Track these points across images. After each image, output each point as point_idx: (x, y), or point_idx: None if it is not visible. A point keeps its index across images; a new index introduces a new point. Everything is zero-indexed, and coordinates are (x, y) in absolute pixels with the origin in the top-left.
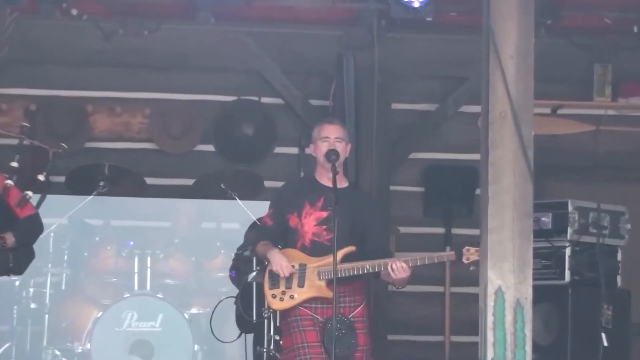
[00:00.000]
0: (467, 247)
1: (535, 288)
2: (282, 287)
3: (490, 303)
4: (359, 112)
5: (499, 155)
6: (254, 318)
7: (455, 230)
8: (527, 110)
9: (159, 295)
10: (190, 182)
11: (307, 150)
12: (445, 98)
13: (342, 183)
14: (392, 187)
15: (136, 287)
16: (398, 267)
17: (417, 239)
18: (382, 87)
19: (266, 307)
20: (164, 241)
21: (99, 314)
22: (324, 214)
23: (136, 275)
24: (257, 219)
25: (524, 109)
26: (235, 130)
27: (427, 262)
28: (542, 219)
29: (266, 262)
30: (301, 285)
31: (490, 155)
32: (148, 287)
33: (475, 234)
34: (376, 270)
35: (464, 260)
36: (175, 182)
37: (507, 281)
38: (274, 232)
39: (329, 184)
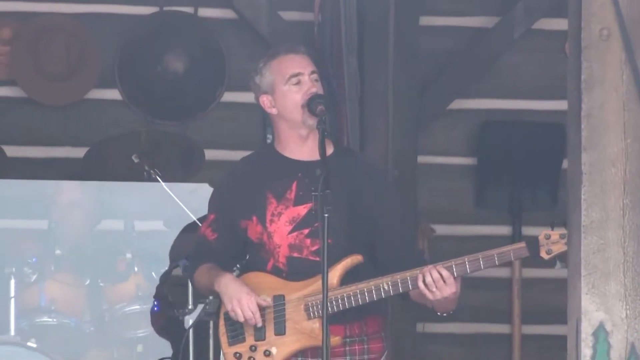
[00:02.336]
0: (545, 232)
1: None
2: (251, 340)
3: (587, 351)
4: (364, 32)
5: (598, 102)
6: None
7: (529, 231)
8: None
9: (31, 344)
10: (80, 152)
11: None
12: (510, 7)
13: (327, 148)
14: (420, 159)
15: None
16: (436, 281)
17: (464, 245)
18: None
19: None
20: (38, 252)
21: None
22: (302, 209)
23: None
24: (199, 219)
25: None
26: (155, 64)
27: (482, 266)
28: None
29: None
30: (280, 331)
31: (585, 102)
32: (12, 331)
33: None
34: (400, 290)
35: (543, 254)
36: (56, 154)
37: (614, 314)
38: (220, 252)
39: (303, 157)
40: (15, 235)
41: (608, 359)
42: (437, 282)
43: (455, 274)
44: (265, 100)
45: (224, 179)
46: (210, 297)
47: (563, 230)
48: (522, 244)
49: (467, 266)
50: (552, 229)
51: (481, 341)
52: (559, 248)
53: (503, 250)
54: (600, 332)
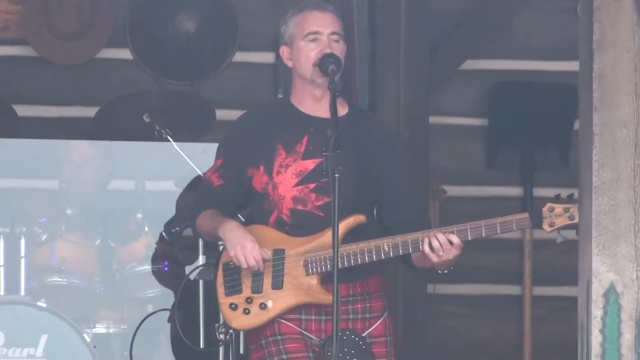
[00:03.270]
0: (549, 204)
1: None
2: (248, 292)
3: (597, 312)
4: None
5: (610, 62)
6: (202, 344)
7: (540, 192)
8: None
9: (41, 304)
10: (91, 112)
11: (281, 57)
12: None
13: (340, 109)
14: (432, 120)
15: (2, 291)
16: (444, 244)
17: (475, 206)
18: None
19: (222, 323)
20: (49, 212)
21: None
22: (310, 163)
23: (2, 269)
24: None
25: None
26: (167, 23)
27: (483, 234)
28: None
29: (220, 248)
30: (278, 285)
31: (596, 63)
32: (22, 291)
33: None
34: (401, 252)
35: (546, 226)
36: (67, 113)
37: (624, 275)
38: (224, 199)
39: (318, 113)
40: (26, 194)
41: (618, 320)
42: (444, 246)
43: (457, 237)
44: (284, 51)
45: (235, 125)
46: (206, 260)
47: (567, 204)
48: (526, 215)
49: (469, 233)
50: (557, 201)
51: (492, 302)
52: (562, 221)
53: (506, 220)
54: (610, 294)
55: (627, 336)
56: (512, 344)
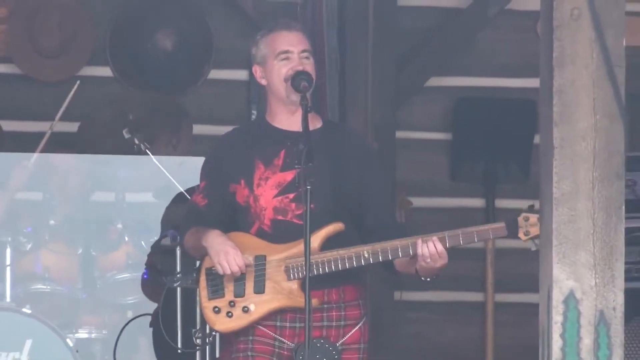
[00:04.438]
0: (524, 214)
1: (630, 293)
2: (230, 296)
3: (557, 318)
4: (345, 11)
5: (569, 79)
6: (179, 346)
7: (502, 203)
8: (615, 6)
9: (26, 310)
10: (73, 127)
11: (255, 76)
12: None
13: (314, 123)
14: (399, 134)
15: None
16: (440, 252)
17: (439, 216)
18: None
19: (199, 327)
20: (33, 222)
21: None
22: (289, 175)
23: None
24: (187, 191)
25: (610, 5)
26: (145, 42)
27: (461, 242)
28: None
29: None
30: (260, 290)
31: (556, 79)
32: (8, 297)
33: None
34: (380, 259)
35: (521, 235)
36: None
37: (583, 282)
38: (209, 217)
39: (292, 127)
40: (11, 205)
41: (578, 325)
42: (438, 254)
43: (447, 244)
44: (257, 70)
45: (214, 147)
46: (178, 275)
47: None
48: (502, 224)
49: (447, 241)
50: (531, 212)
51: (456, 308)
52: (536, 231)
53: (482, 229)
54: (570, 300)
55: (586, 341)
56: (475, 348)
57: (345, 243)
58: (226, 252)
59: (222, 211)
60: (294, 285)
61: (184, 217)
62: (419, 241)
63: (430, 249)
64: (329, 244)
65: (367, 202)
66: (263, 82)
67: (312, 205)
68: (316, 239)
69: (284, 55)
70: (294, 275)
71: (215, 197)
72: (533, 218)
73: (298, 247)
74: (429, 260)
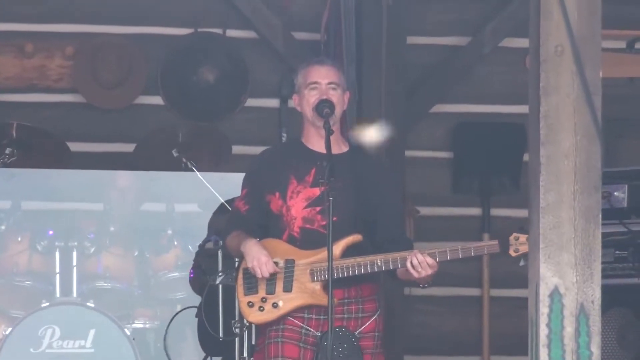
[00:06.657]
0: (515, 234)
1: (606, 289)
2: (262, 293)
3: (544, 310)
4: (362, 48)
5: (554, 106)
6: (221, 335)
7: (496, 212)
8: (593, 43)
9: (90, 304)
10: (130, 147)
11: (291, 104)
12: (480, 28)
13: (341, 147)
14: (408, 153)
15: (58, 294)
16: (421, 263)
17: (442, 223)
18: (394, 14)
19: (237, 319)
20: (95, 229)
21: (8, 330)
22: (317, 191)
23: (57, 276)
24: (227, 202)
25: (588, 42)
26: (191, 75)
27: (460, 256)
28: (615, 193)
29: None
30: (288, 289)
31: (542, 106)
32: (74, 293)
33: (524, 217)
34: (391, 267)
35: (512, 252)
36: (110, 149)
37: (566, 279)
38: (249, 221)
39: (323, 149)
40: (77, 215)
41: (562, 316)
42: (422, 265)
43: (437, 259)
44: (295, 99)
45: (256, 160)
46: (220, 274)
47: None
48: (496, 242)
49: (448, 254)
50: (521, 232)
51: (457, 302)
52: (524, 249)
53: (479, 245)
54: (555, 295)
55: (569, 329)
56: (473, 335)
57: (362, 252)
58: (259, 260)
59: (261, 216)
60: (317, 286)
61: (228, 219)
62: (410, 255)
63: (420, 260)
64: (349, 251)
65: (381, 218)
66: (299, 108)
67: (335, 218)
68: (338, 247)
69: (313, 85)
70: (317, 277)
71: (254, 204)
72: (522, 237)
73: (322, 254)
74: (419, 269)
